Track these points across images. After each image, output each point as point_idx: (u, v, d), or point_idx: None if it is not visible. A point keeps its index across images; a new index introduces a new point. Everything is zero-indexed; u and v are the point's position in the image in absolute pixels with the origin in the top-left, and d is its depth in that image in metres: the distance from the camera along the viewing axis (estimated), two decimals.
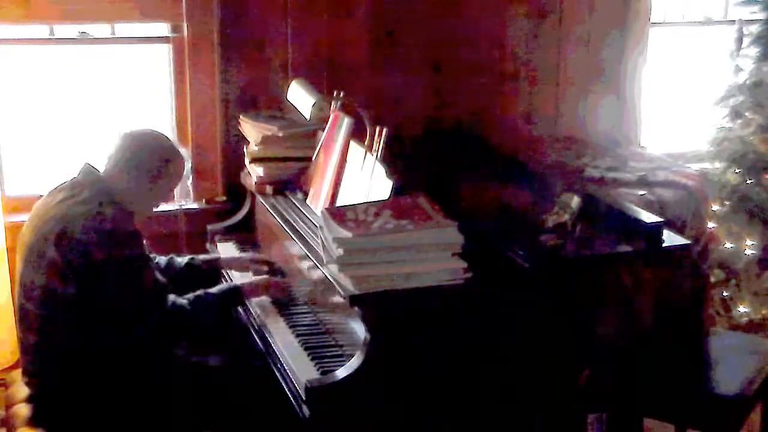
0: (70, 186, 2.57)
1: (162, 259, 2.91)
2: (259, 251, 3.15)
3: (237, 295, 2.71)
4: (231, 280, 2.93)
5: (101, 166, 2.62)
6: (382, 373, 2.17)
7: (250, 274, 2.94)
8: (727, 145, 3.86)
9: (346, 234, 2.20)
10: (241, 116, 3.34)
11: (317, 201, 2.82)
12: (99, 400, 2.44)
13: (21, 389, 2.60)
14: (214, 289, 2.67)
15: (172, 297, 2.55)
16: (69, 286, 2.43)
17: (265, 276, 2.84)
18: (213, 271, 2.98)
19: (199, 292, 2.62)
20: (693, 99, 4.25)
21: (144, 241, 2.60)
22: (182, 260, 2.94)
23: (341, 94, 2.91)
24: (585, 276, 2.41)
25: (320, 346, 2.43)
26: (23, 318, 2.56)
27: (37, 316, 2.49)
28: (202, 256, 3.03)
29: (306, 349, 2.42)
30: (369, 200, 2.45)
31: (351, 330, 2.33)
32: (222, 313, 2.67)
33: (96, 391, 2.45)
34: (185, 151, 2.77)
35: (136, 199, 2.61)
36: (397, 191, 2.43)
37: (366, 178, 2.60)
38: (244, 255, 3.08)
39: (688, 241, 2.66)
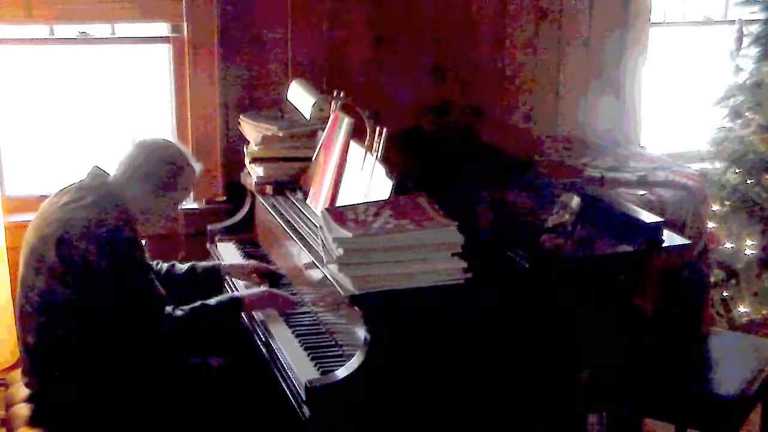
0: (76, 188, 2.56)
1: (163, 266, 2.89)
2: (259, 251, 3.15)
3: (237, 307, 2.62)
4: (234, 287, 2.89)
5: (111, 170, 2.60)
6: (382, 373, 2.16)
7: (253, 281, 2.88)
8: (727, 145, 3.86)
9: (346, 234, 2.19)
10: (241, 116, 3.34)
11: (317, 201, 2.82)
12: (99, 400, 2.44)
13: (21, 389, 2.59)
14: (212, 301, 2.58)
15: (169, 309, 2.50)
16: (67, 290, 2.42)
17: (264, 288, 2.74)
18: (214, 278, 2.93)
19: (196, 304, 2.55)
20: (693, 99, 4.26)
21: (145, 250, 2.57)
22: (183, 267, 2.91)
23: (341, 94, 2.90)
24: (585, 276, 2.41)
25: (320, 346, 2.43)
26: (23, 319, 2.56)
27: (36, 318, 2.49)
28: (202, 263, 2.98)
29: (306, 349, 2.42)
30: (369, 200, 2.45)
31: (351, 330, 2.33)
32: (220, 326, 2.60)
33: (96, 391, 2.45)
34: (199, 164, 2.72)
35: (142, 208, 2.59)
36: (397, 191, 2.44)
37: (366, 178, 2.60)
38: (245, 262, 2.99)
39: (688, 241, 2.66)
